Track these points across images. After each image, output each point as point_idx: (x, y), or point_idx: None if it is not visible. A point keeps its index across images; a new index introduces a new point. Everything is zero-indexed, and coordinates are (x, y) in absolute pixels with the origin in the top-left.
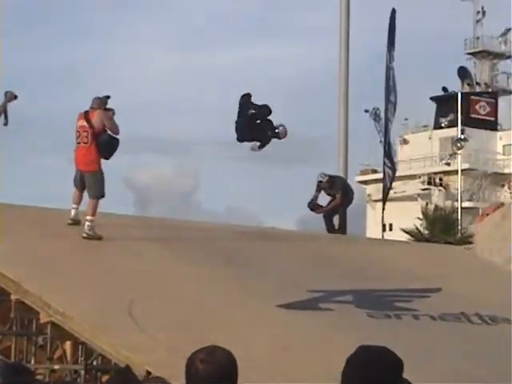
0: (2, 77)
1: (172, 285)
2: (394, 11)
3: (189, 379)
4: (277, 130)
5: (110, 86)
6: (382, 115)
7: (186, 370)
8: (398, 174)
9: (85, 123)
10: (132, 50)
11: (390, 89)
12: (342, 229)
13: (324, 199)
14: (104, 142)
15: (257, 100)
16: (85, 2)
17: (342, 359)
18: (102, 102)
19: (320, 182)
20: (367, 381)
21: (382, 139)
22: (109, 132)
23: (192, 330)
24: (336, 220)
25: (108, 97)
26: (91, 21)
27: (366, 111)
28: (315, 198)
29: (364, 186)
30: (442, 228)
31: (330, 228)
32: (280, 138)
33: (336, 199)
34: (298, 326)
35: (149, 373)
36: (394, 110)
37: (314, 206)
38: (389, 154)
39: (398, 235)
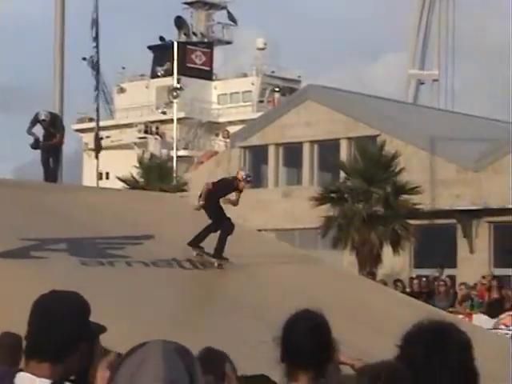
0: None
1: None
2: None
3: None
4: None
5: None
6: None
7: None
8: (114, 122)
9: None
10: None
11: (96, 38)
12: (54, 174)
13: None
14: None
15: None
16: None
17: None
18: None
19: (43, 120)
20: (49, 323)
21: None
22: None
23: None
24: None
25: None
26: None
27: (84, 59)
28: (34, 134)
29: (81, 135)
30: (157, 176)
31: (48, 175)
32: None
33: (57, 138)
34: (9, 275)
35: None
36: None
37: (37, 143)
38: (103, 101)
39: (114, 184)
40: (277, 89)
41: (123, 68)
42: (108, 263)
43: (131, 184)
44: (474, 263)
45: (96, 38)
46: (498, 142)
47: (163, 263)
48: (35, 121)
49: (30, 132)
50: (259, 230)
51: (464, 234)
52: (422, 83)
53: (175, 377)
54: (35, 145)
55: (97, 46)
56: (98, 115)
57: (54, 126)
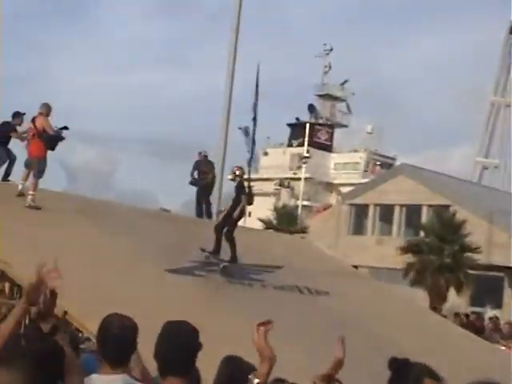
0: None
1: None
2: (258, 66)
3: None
4: None
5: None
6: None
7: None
8: (258, 176)
9: (32, 125)
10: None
11: (255, 119)
12: (208, 212)
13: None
14: (47, 138)
15: None
16: None
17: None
18: (46, 110)
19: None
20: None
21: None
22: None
23: (102, 289)
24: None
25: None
26: None
27: (240, 128)
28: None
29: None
30: (286, 220)
31: (199, 212)
32: None
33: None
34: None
35: (65, 312)
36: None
37: (194, 181)
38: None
39: (254, 221)
40: (378, 163)
41: (268, 137)
42: (248, 284)
43: (267, 224)
44: None
45: (254, 119)
46: None
47: (288, 288)
48: (195, 166)
49: (192, 174)
50: (355, 267)
51: (509, 284)
52: (486, 168)
53: None
54: (192, 182)
55: (254, 125)
56: (249, 173)
57: (207, 165)
